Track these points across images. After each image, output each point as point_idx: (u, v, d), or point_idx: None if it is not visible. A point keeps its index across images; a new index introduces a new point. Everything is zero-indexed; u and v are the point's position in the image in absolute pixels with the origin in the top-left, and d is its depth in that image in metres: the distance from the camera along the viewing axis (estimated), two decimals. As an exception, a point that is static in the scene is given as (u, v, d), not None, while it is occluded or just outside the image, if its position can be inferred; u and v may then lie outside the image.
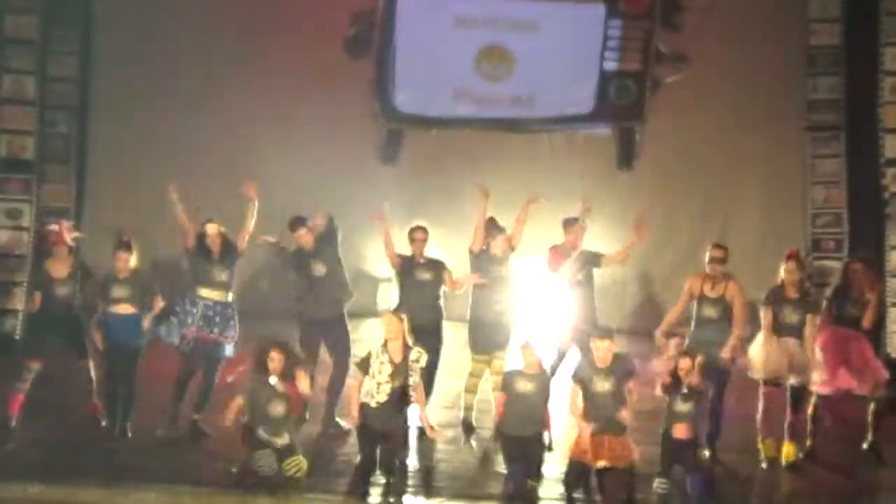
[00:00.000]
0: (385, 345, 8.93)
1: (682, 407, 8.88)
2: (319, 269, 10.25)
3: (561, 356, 10.41)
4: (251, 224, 10.15)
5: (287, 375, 9.09)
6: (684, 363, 8.88)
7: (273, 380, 9.01)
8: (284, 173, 13.81)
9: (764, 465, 9.42)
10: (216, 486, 8.84)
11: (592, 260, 10.44)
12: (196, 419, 9.92)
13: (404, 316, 9.08)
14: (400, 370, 8.88)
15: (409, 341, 8.97)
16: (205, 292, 10.05)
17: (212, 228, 10.05)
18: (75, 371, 10.10)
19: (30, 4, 13.40)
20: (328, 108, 14.24)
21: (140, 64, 14.28)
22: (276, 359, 9.01)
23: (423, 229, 10.31)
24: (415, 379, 8.93)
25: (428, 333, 9.92)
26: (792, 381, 9.47)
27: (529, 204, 10.39)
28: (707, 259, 9.74)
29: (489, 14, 14.47)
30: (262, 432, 8.99)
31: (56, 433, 9.82)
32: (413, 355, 8.93)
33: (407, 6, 14.48)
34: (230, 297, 10.17)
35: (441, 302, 10.30)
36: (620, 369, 8.93)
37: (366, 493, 8.80)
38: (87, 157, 14.29)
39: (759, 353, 9.51)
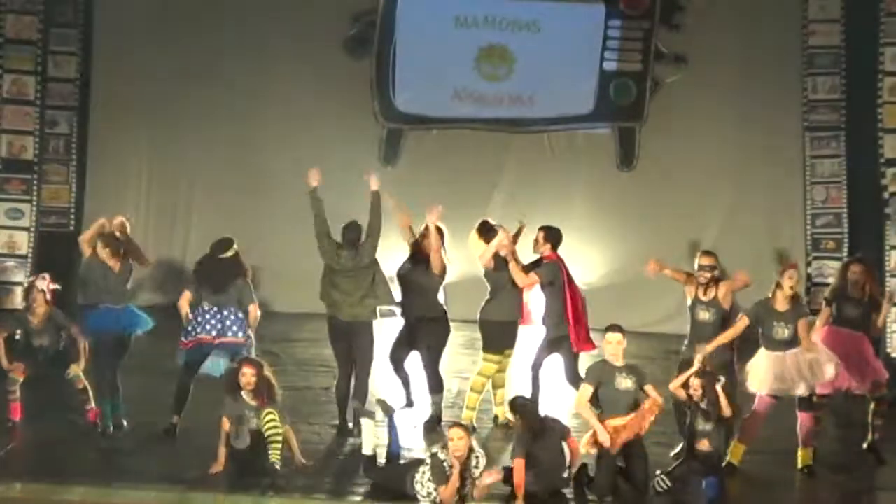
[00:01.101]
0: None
1: (705, 426, 8.81)
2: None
3: (540, 354, 10.28)
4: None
5: (259, 391, 9.01)
6: (695, 383, 8.84)
7: (245, 395, 8.98)
8: (284, 173, 13.82)
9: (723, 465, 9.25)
10: (216, 486, 8.83)
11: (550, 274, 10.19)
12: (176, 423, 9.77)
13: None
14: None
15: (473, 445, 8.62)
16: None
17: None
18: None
19: (30, 4, 13.40)
20: (328, 108, 14.25)
21: (140, 64, 14.30)
22: (247, 374, 8.98)
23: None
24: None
25: (433, 323, 10.06)
26: (800, 391, 9.29)
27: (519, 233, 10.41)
28: (696, 267, 9.61)
29: (489, 14, 14.48)
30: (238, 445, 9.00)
31: (55, 433, 9.79)
32: (473, 461, 8.56)
33: (407, 6, 14.48)
34: None
35: (441, 298, 10.24)
36: (638, 373, 8.86)
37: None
38: (87, 157, 14.29)
39: (761, 368, 9.31)
